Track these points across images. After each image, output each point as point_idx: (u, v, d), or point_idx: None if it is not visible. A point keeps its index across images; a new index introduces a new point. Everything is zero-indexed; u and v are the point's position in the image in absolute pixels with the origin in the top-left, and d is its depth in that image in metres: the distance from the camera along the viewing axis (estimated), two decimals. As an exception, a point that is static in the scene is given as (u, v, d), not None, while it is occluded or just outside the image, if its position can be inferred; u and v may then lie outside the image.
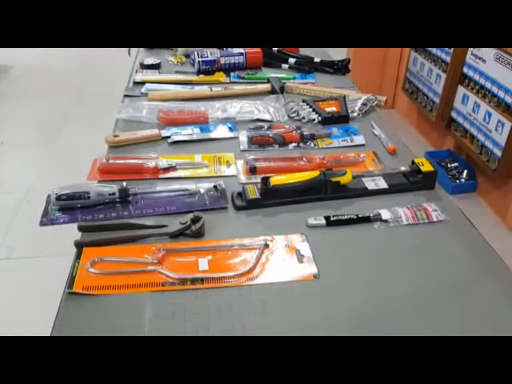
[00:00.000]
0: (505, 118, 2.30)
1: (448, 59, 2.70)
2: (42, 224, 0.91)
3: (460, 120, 2.62)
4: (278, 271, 0.80)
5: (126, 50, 1.73)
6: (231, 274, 0.79)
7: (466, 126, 2.56)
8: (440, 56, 2.78)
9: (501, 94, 2.31)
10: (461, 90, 2.60)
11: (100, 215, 0.92)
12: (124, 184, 0.95)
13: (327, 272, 0.80)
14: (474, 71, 2.50)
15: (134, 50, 1.82)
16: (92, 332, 0.70)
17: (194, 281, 0.78)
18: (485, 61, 2.42)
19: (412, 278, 0.79)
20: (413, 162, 1.00)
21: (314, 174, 0.96)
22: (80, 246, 0.84)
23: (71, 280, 0.77)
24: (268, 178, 0.95)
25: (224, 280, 0.78)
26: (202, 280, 0.78)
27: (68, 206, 0.93)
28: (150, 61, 1.60)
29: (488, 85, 2.39)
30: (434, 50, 2.86)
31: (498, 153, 2.30)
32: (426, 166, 0.98)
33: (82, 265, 0.80)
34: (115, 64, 2.83)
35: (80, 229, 0.87)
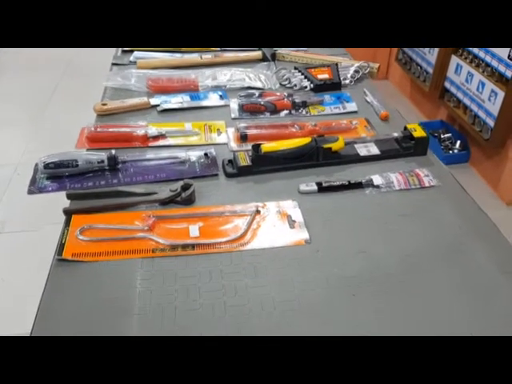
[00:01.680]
0: (498, 88, 2.28)
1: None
2: (30, 192, 0.89)
3: (453, 90, 2.60)
4: (270, 237, 0.80)
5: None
6: (222, 239, 0.79)
7: (460, 96, 2.54)
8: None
9: (494, 63, 2.28)
10: (454, 60, 2.57)
11: (89, 183, 0.91)
12: (113, 152, 0.93)
13: (319, 237, 0.80)
14: (468, 41, 2.47)
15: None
16: (82, 300, 0.70)
17: (184, 247, 0.78)
18: (479, 30, 2.39)
19: (403, 241, 0.79)
20: (405, 128, 0.99)
21: (306, 140, 0.95)
22: (69, 213, 0.83)
23: (60, 247, 0.77)
24: (259, 145, 0.94)
25: (215, 246, 0.78)
26: (192, 246, 0.78)
27: (56, 174, 0.92)
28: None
29: (482, 54, 2.37)
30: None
31: (491, 123, 2.29)
32: (419, 132, 0.97)
33: (71, 232, 0.79)
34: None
35: (68, 197, 0.86)
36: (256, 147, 0.93)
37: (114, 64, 1.38)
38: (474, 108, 2.41)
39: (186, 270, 0.74)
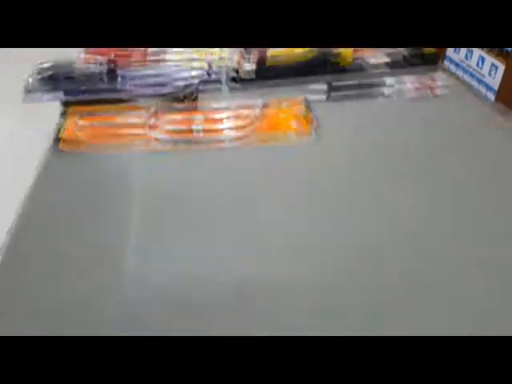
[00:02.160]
0: (498, 61, 2.27)
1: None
2: (25, 101, 0.85)
3: (452, 68, 2.59)
4: (278, 128, 0.76)
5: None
6: (227, 135, 0.75)
7: (459, 73, 2.53)
8: None
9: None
10: (454, 40, 2.57)
11: (85, 95, 0.86)
12: (112, 55, 0.89)
13: (329, 135, 0.76)
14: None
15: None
16: (77, 187, 0.65)
17: (187, 142, 0.74)
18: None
19: (414, 140, 0.76)
20: (413, 47, 0.96)
21: (312, 52, 0.91)
22: (67, 104, 0.79)
23: (58, 131, 0.73)
24: (263, 56, 0.90)
25: (220, 141, 0.74)
26: (196, 142, 0.74)
27: (52, 75, 0.87)
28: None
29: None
30: None
31: (492, 97, 2.28)
32: (427, 50, 0.95)
33: (69, 118, 0.76)
34: None
35: (65, 93, 0.82)
36: (261, 58, 0.90)
37: None
38: (475, 84, 2.39)
39: (189, 166, 0.70)
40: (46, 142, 0.71)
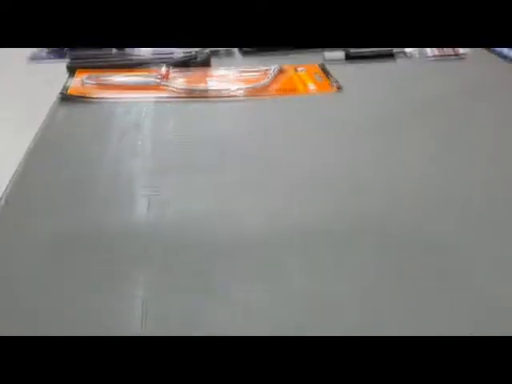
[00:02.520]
0: None
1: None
2: (31, 58, 0.81)
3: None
4: (296, 86, 0.72)
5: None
6: (247, 86, 0.71)
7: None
8: None
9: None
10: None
11: (92, 60, 0.83)
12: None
13: (350, 89, 0.72)
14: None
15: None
16: (84, 136, 0.60)
17: (203, 91, 0.69)
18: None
19: (435, 96, 0.71)
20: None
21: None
22: (72, 69, 0.75)
23: (64, 89, 0.68)
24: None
25: (238, 90, 0.70)
26: (212, 90, 0.70)
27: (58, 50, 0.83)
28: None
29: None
30: None
31: None
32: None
33: (75, 80, 0.71)
34: None
35: (72, 58, 0.78)
36: (275, 22, 0.86)
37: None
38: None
39: (204, 115, 0.65)
40: (52, 99, 0.67)
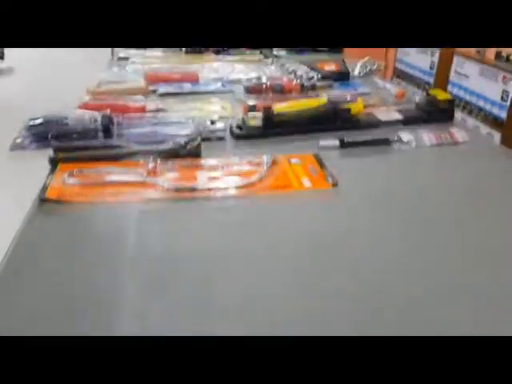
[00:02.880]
0: (494, 130, 2.26)
1: (431, 80, 2.70)
2: (12, 149, 0.78)
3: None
4: (290, 182, 0.68)
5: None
6: (238, 183, 0.67)
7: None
8: (423, 78, 2.79)
9: (488, 107, 2.28)
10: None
11: (79, 143, 0.80)
12: (108, 111, 0.83)
13: (348, 185, 0.68)
14: (459, 88, 2.49)
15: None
16: (65, 246, 0.56)
17: (192, 190, 0.65)
18: (469, 77, 2.41)
19: (440, 193, 0.68)
20: (427, 94, 0.92)
21: (322, 101, 0.86)
22: (54, 161, 0.71)
23: (43, 189, 0.64)
24: (270, 106, 0.85)
25: (229, 189, 0.66)
26: (202, 189, 0.66)
27: (42, 133, 0.80)
28: (134, 43, 1.52)
29: (474, 99, 2.37)
30: (416, 73, 2.87)
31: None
32: (443, 95, 0.89)
33: (56, 176, 0.67)
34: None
35: (56, 150, 0.75)
36: (268, 108, 0.84)
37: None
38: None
39: (192, 214, 0.61)
40: (31, 199, 0.63)
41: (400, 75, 3.01)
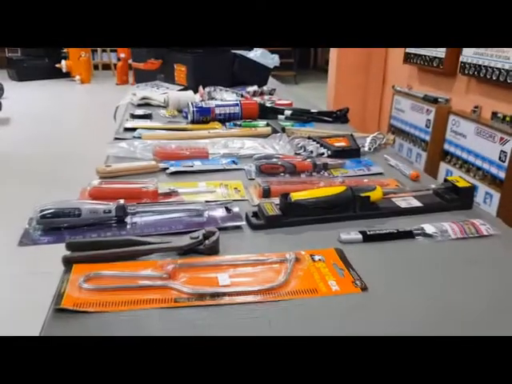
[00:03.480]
0: (492, 190, 2.27)
1: (427, 138, 2.74)
2: (22, 244, 0.74)
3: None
4: (317, 286, 0.65)
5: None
6: (263, 287, 0.64)
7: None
8: (419, 136, 2.82)
9: (485, 166, 2.29)
10: (443, 167, 2.60)
11: (92, 235, 0.77)
12: (121, 201, 0.81)
13: (375, 285, 0.66)
14: (456, 147, 2.52)
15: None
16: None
17: (213, 295, 0.62)
18: (465, 136, 2.44)
19: (469, 290, 0.65)
20: (445, 180, 0.90)
21: (341, 188, 0.84)
22: (69, 262, 0.68)
23: (58, 297, 0.61)
24: (288, 193, 0.83)
25: (251, 294, 0.63)
26: (224, 294, 0.62)
27: (53, 224, 0.77)
28: (140, 112, 1.52)
29: (471, 159, 2.39)
30: (412, 131, 2.90)
31: (491, 223, 2.24)
32: (462, 183, 0.88)
33: (72, 281, 0.64)
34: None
35: (69, 247, 0.72)
36: (285, 195, 0.82)
37: (116, 139, 1.30)
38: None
39: (216, 322, 0.58)
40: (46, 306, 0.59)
41: (395, 132, 3.04)
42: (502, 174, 2.20)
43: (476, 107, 2.45)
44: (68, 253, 0.70)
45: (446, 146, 2.57)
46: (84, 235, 0.76)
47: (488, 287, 0.66)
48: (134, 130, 1.36)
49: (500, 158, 2.20)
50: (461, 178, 0.90)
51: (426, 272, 0.69)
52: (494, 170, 2.24)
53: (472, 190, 0.87)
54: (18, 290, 1.69)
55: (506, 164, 2.16)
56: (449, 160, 2.56)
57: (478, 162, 2.34)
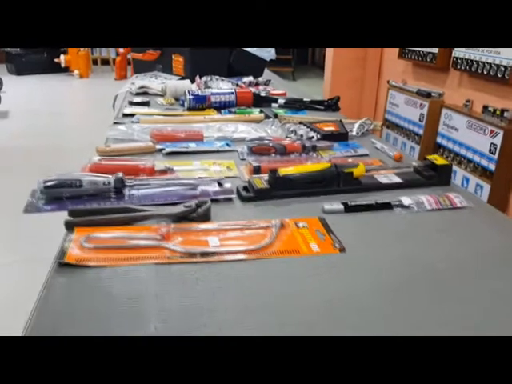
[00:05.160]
0: (483, 181, 2.33)
1: (421, 132, 2.79)
2: (27, 211, 0.80)
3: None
4: (300, 247, 0.71)
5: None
6: (249, 247, 0.69)
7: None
8: (412, 129, 2.88)
9: (476, 158, 2.35)
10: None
11: (92, 205, 0.82)
12: (120, 174, 0.86)
13: (354, 248, 0.71)
14: (448, 140, 2.57)
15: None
16: (86, 310, 0.58)
17: (204, 254, 0.68)
18: (457, 129, 2.50)
19: (444, 253, 0.71)
20: (425, 158, 0.96)
21: (326, 165, 0.90)
22: (70, 225, 0.74)
23: (61, 253, 0.66)
24: (276, 169, 0.88)
25: (239, 253, 0.68)
26: (213, 253, 0.68)
27: (56, 195, 0.83)
28: (138, 99, 1.57)
29: (463, 151, 2.45)
30: (406, 125, 2.96)
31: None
32: (440, 161, 0.94)
33: (74, 240, 0.69)
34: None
35: (71, 214, 0.77)
36: (274, 171, 0.88)
37: (115, 123, 1.35)
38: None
39: (208, 275, 0.64)
40: (49, 263, 0.65)
41: (389, 126, 3.10)
42: (492, 166, 2.25)
43: (468, 101, 2.51)
44: (70, 218, 0.76)
45: (439, 139, 2.63)
46: (84, 204, 0.82)
47: (457, 251, 0.71)
48: (132, 115, 1.41)
49: (490, 150, 2.26)
50: (439, 157, 0.95)
51: (401, 237, 0.75)
52: (484, 162, 2.30)
53: (449, 167, 0.93)
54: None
55: (496, 156, 2.21)
56: (441, 153, 2.61)
57: (470, 155, 2.39)
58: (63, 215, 0.76)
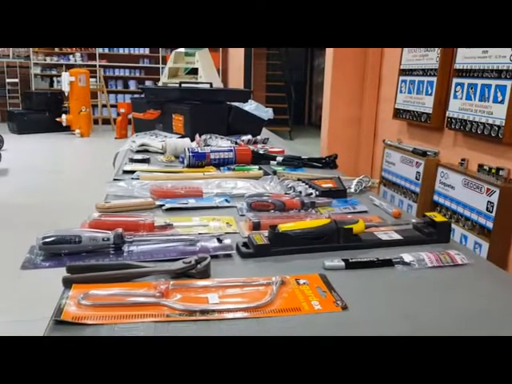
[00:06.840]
0: (481, 239, 2.32)
1: (417, 190, 2.82)
2: (24, 267, 0.79)
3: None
4: (300, 304, 0.70)
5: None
6: (249, 305, 0.68)
7: (445, 246, 2.56)
8: (409, 188, 2.91)
9: (474, 216, 2.36)
10: (433, 218, 2.65)
11: (91, 261, 0.82)
12: (119, 230, 0.86)
13: (356, 306, 0.70)
14: (445, 198, 2.59)
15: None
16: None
17: (203, 312, 0.67)
18: (454, 187, 2.52)
19: (446, 312, 0.70)
20: (424, 215, 0.96)
21: (325, 221, 0.90)
22: (68, 282, 0.73)
23: (58, 310, 0.65)
24: (276, 225, 0.89)
25: (240, 311, 0.67)
26: (213, 311, 0.67)
27: (54, 251, 0.82)
28: (139, 156, 1.60)
29: (460, 209, 2.46)
30: (402, 183, 2.99)
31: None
32: (439, 218, 0.94)
33: (71, 297, 0.68)
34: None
35: (69, 270, 0.76)
36: (273, 227, 0.88)
37: (115, 180, 1.36)
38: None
39: (205, 334, 0.62)
40: (46, 322, 0.63)
41: (386, 184, 3.13)
42: (489, 224, 2.26)
43: (463, 160, 2.54)
44: (68, 275, 0.75)
45: (436, 197, 2.64)
46: (83, 261, 0.81)
47: (458, 308, 0.70)
48: (132, 172, 1.43)
49: (487, 208, 2.26)
50: (438, 214, 0.96)
51: (403, 295, 0.74)
52: (482, 220, 2.30)
53: (449, 224, 0.93)
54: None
55: (493, 214, 2.22)
56: (439, 211, 2.62)
57: (467, 213, 2.40)
58: (62, 271, 0.75)
